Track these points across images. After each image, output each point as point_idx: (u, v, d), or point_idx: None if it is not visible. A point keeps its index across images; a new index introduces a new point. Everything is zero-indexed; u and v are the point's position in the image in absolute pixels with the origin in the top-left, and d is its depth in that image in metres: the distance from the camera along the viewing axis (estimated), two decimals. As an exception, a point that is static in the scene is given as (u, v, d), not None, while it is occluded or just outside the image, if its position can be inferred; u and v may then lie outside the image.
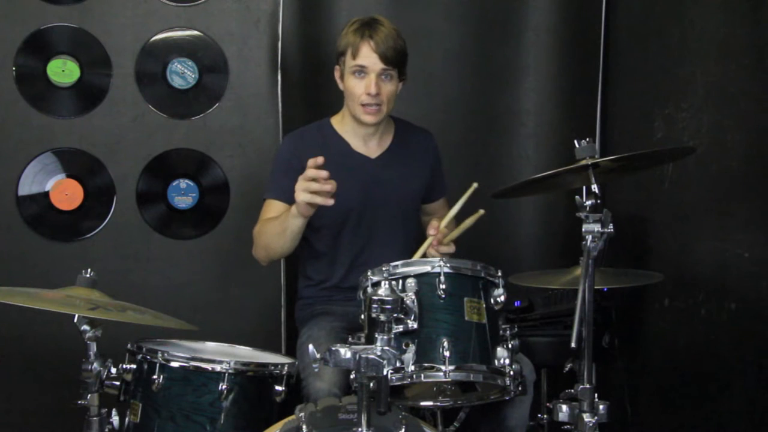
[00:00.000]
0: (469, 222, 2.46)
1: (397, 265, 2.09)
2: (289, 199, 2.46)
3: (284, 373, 2.26)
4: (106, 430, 2.18)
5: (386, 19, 2.61)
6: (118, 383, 2.19)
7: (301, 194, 2.32)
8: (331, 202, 2.32)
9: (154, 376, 2.17)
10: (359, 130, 2.67)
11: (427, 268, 2.07)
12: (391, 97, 2.58)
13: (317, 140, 2.67)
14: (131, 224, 3.23)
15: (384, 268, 2.09)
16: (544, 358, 2.75)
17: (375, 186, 2.66)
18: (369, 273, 2.12)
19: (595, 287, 2.00)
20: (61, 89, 3.18)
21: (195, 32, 3.24)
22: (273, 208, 2.61)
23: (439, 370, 1.98)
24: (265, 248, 2.61)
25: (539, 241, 3.40)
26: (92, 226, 3.22)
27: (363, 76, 2.54)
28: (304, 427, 1.89)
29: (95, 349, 2.15)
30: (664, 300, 2.84)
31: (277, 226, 2.52)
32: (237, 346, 2.51)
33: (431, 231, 2.44)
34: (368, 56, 2.52)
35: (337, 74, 2.64)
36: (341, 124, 2.69)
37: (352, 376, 1.90)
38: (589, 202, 2.02)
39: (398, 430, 1.87)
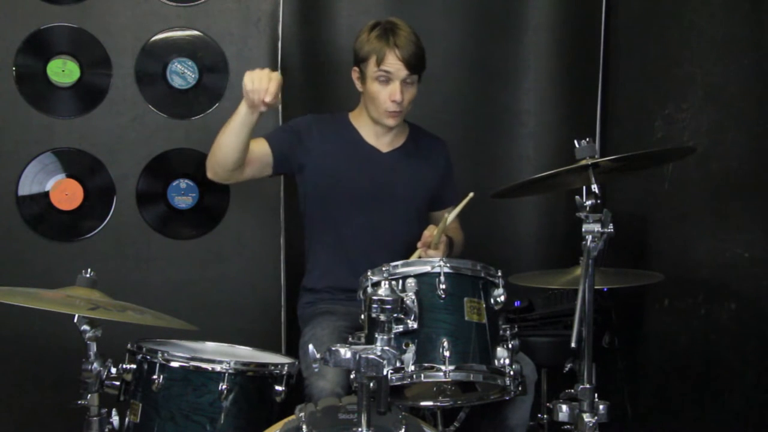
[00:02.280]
0: (459, 208, 2.52)
1: (397, 265, 2.10)
2: (270, 138, 2.68)
3: (284, 373, 2.26)
4: (106, 430, 2.19)
5: (402, 21, 2.64)
6: (118, 383, 2.19)
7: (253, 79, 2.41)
8: (266, 101, 2.41)
9: (154, 376, 2.18)
10: (374, 128, 2.72)
11: (427, 268, 2.07)
12: (411, 101, 2.63)
13: (332, 126, 2.75)
14: (131, 224, 3.23)
15: (384, 268, 2.10)
16: (544, 358, 2.75)
17: (383, 179, 2.69)
18: (369, 273, 2.13)
19: (595, 287, 2.01)
20: (61, 89, 3.18)
21: (195, 32, 3.23)
22: (255, 140, 2.66)
23: (439, 370, 1.98)
24: (215, 147, 2.61)
25: (539, 241, 3.40)
26: (92, 226, 3.21)
27: (387, 83, 2.58)
28: (304, 427, 1.89)
29: (95, 349, 2.15)
30: (664, 300, 2.84)
31: (227, 127, 2.57)
32: (237, 346, 2.51)
33: (419, 244, 2.51)
34: (394, 63, 2.55)
35: (355, 75, 2.66)
36: (358, 119, 2.76)
37: (352, 376, 1.90)
38: (589, 202, 2.02)
39: (398, 430, 1.87)
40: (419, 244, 2.50)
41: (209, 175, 2.68)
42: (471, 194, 2.49)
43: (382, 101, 2.59)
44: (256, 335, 3.16)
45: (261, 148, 2.66)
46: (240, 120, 2.51)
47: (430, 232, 2.49)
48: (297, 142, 2.67)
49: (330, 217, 2.70)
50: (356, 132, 2.73)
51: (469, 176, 3.25)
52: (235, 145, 2.55)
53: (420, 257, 2.47)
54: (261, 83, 2.41)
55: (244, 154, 2.58)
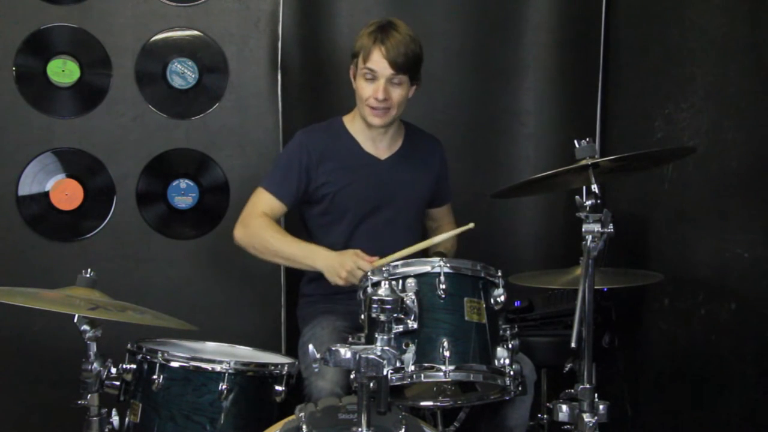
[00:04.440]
0: (453, 232, 2.48)
1: (397, 265, 2.10)
2: (283, 197, 2.62)
3: (284, 373, 2.26)
4: (106, 430, 2.19)
5: (403, 22, 2.62)
6: (118, 383, 2.19)
7: (346, 269, 2.39)
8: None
9: (154, 376, 2.18)
10: (369, 131, 2.68)
11: (427, 268, 2.08)
12: (400, 101, 2.59)
13: (329, 137, 2.70)
14: (131, 224, 3.23)
15: (384, 268, 2.10)
16: (544, 358, 2.75)
17: (382, 187, 2.68)
18: (369, 273, 2.13)
19: (595, 287, 2.01)
20: (61, 89, 3.18)
21: (195, 32, 3.24)
22: (264, 199, 2.64)
23: (439, 370, 1.99)
24: (256, 249, 2.63)
25: (539, 241, 3.40)
26: (92, 226, 3.22)
27: (373, 80, 2.55)
28: (304, 427, 1.89)
29: (95, 349, 2.15)
30: (664, 300, 2.84)
31: (284, 248, 2.57)
32: (237, 346, 2.51)
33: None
34: (378, 62, 2.53)
35: (351, 73, 2.65)
36: (352, 123, 2.72)
37: (352, 376, 1.90)
38: (589, 202, 2.02)
39: (398, 430, 1.87)
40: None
41: (237, 234, 2.65)
42: (471, 225, 2.37)
43: (366, 98, 2.57)
44: (256, 335, 3.16)
45: (273, 207, 2.64)
46: (298, 266, 2.59)
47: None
48: (298, 180, 2.64)
49: (329, 226, 2.68)
50: (353, 140, 2.69)
51: (469, 176, 3.26)
52: (277, 262, 2.69)
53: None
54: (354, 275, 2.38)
55: None
